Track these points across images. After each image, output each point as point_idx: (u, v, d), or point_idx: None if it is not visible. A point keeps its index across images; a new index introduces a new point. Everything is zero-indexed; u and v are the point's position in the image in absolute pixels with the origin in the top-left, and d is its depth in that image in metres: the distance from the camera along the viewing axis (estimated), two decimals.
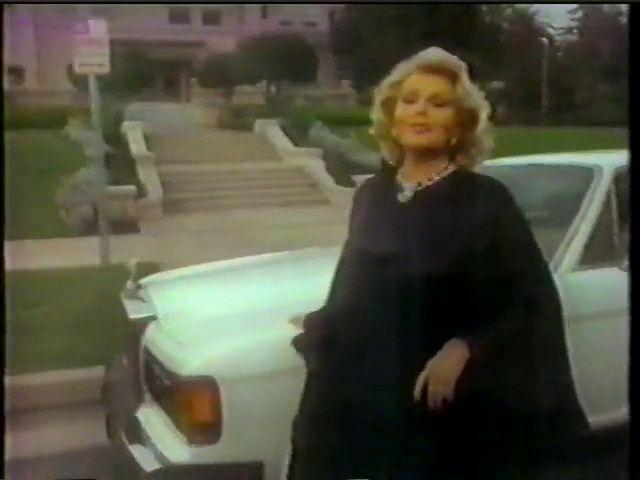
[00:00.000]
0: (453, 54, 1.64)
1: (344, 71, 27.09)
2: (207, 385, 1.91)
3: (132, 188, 10.95)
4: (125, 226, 9.34)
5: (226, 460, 1.94)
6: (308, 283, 2.37)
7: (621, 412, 1.80)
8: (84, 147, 12.36)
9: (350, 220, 1.79)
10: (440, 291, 1.53)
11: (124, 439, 2.22)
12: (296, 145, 15.08)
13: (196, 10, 32.26)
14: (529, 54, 27.69)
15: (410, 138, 1.60)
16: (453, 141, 1.62)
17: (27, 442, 2.95)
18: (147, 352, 2.25)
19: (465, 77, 1.62)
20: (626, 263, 2.01)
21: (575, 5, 32.43)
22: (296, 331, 1.85)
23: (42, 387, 3.55)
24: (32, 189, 9.45)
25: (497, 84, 22.39)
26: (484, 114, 1.63)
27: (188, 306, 2.47)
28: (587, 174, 2.49)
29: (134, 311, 2.45)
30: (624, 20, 28.62)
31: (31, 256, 6.46)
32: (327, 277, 1.81)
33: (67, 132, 14.54)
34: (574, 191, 2.50)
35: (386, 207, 1.67)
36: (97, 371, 3.45)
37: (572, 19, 35.49)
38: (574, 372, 1.67)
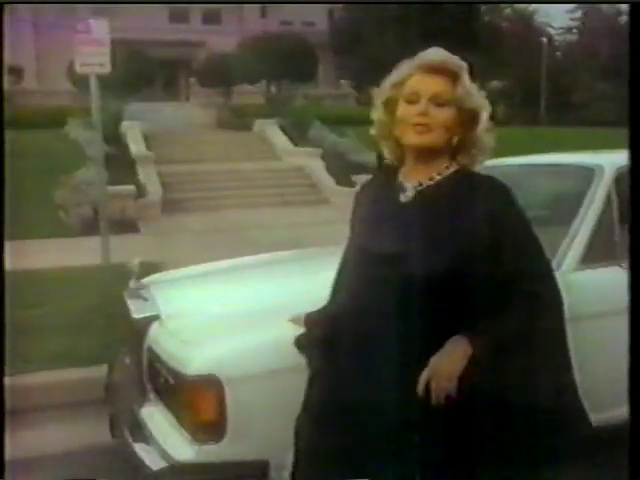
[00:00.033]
0: (453, 54, 1.65)
1: (343, 71, 27.09)
2: (211, 384, 1.91)
3: (132, 188, 10.95)
4: (125, 226, 9.34)
5: (231, 458, 1.95)
6: (311, 282, 2.37)
7: (624, 411, 1.81)
8: (84, 147, 12.37)
9: (351, 220, 1.80)
10: (442, 290, 1.54)
11: (128, 438, 2.23)
12: (296, 145, 15.08)
13: (196, 10, 32.23)
14: (528, 54, 27.70)
15: (411, 138, 1.61)
16: (454, 141, 1.63)
17: (27, 442, 2.95)
18: (151, 351, 2.25)
19: (466, 77, 1.63)
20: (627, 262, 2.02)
21: (574, 5, 32.45)
22: (298, 330, 1.85)
23: (42, 387, 3.55)
24: (32, 189, 9.45)
25: (496, 84, 22.40)
26: (485, 114, 1.64)
27: (191, 305, 2.48)
28: (588, 174, 2.50)
29: (137, 310, 2.46)
30: (623, 20, 28.66)
31: (31, 256, 6.46)
32: (329, 276, 1.82)
33: (66, 132, 14.54)
34: (575, 191, 2.51)
35: (387, 207, 1.68)
36: (97, 371, 3.45)
37: (571, 19, 35.51)
38: (576, 370, 1.68)
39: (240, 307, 2.30)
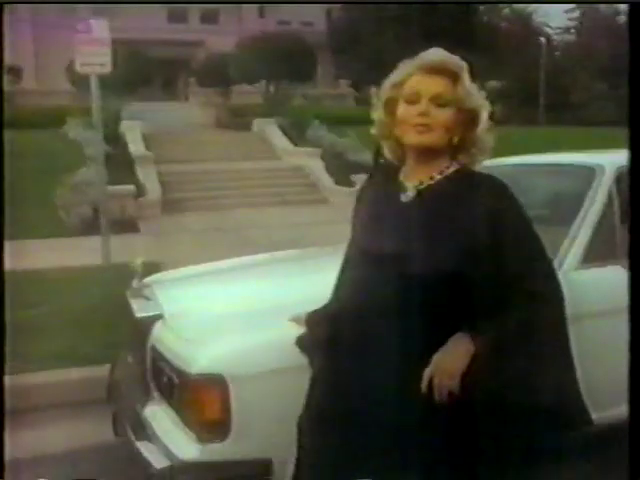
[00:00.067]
0: (451, 54, 1.66)
1: (342, 71, 27.09)
2: (216, 383, 1.92)
3: (131, 188, 10.94)
4: (124, 226, 9.34)
5: (235, 457, 1.95)
6: (313, 282, 2.37)
7: (625, 409, 1.81)
8: (83, 147, 12.37)
9: (353, 220, 1.81)
10: (443, 289, 1.55)
11: (131, 436, 2.24)
12: (295, 145, 15.08)
13: (194, 10, 32.22)
14: (527, 53, 27.72)
15: (412, 138, 1.62)
16: (455, 141, 1.64)
17: (27, 442, 2.95)
18: (154, 350, 2.25)
19: (466, 77, 1.63)
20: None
21: (572, 5, 32.46)
22: (300, 330, 1.86)
23: (42, 387, 3.55)
24: (31, 189, 9.44)
25: (495, 83, 22.40)
26: (485, 114, 1.65)
27: (194, 304, 2.49)
28: (589, 173, 2.50)
29: (140, 310, 2.46)
30: (622, 20, 28.68)
31: (31, 256, 6.46)
32: (331, 275, 1.82)
33: (65, 132, 14.53)
34: (576, 190, 2.52)
35: (389, 206, 1.68)
36: (98, 370, 3.46)
37: (570, 19, 35.53)
38: (577, 369, 1.68)
39: (243, 306, 2.30)
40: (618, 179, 2.42)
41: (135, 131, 14.58)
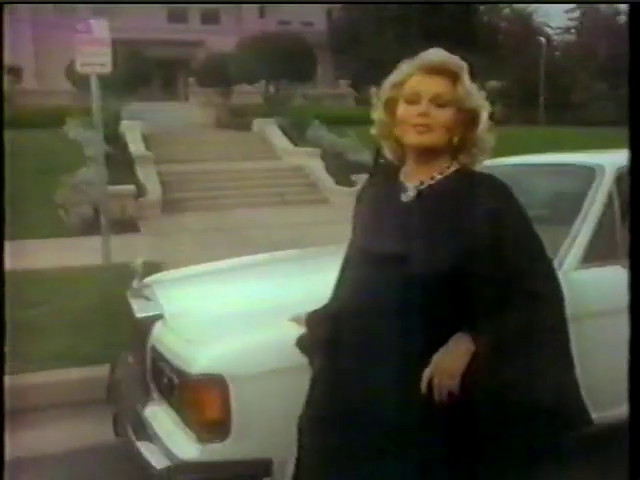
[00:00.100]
0: (451, 54, 1.66)
1: (342, 71, 27.10)
2: (216, 383, 1.92)
3: (131, 187, 10.94)
4: (125, 226, 9.34)
5: (235, 457, 1.96)
6: (313, 282, 2.37)
7: (625, 409, 1.81)
8: (83, 147, 12.37)
9: (353, 220, 1.81)
10: (444, 289, 1.55)
11: (132, 436, 2.24)
12: (295, 145, 15.08)
13: (194, 10, 32.23)
14: (527, 53, 27.72)
15: (412, 138, 1.62)
16: (455, 141, 1.64)
17: (27, 442, 2.95)
18: (155, 350, 2.25)
19: (466, 77, 1.64)
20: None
21: (573, 5, 32.46)
22: (301, 330, 1.86)
23: (42, 387, 3.54)
24: (32, 189, 9.45)
25: (495, 83, 22.39)
26: (485, 114, 1.66)
27: (194, 305, 2.49)
28: (589, 173, 2.51)
29: (141, 310, 2.46)
30: (621, 19, 28.67)
31: (31, 256, 6.47)
32: (332, 275, 1.82)
33: (65, 132, 14.53)
34: (576, 190, 2.52)
35: (389, 206, 1.69)
36: (98, 370, 3.45)
37: (570, 19, 35.53)
38: (577, 369, 1.69)
39: (243, 306, 2.30)
40: (618, 179, 2.42)
41: (135, 131, 14.58)
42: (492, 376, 1.55)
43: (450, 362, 1.53)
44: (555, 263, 2.07)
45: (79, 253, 7.31)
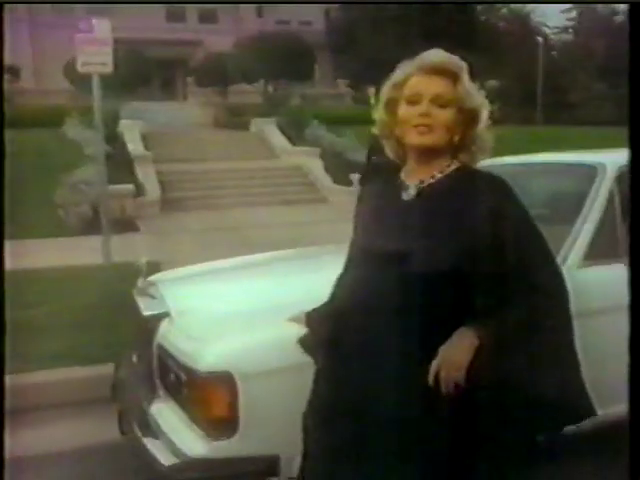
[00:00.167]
0: (450, 53, 1.68)
1: (340, 70, 27.10)
2: (224, 380, 1.92)
3: (130, 187, 10.93)
4: (124, 225, 9.34)
5: (242, 454, 1.96)
6: (319, 280, 2.38)
7: (626, 406, 1.82)
8: (82, 146, 12.36)
9: (355, 219, 1.82)
10: (446, 286, 1.56)
11: (138, 433, 2.24)
12: (293, 144, 15.09)
13: (192, 9, 32.22)
14: (524, 53, 27.72)
15: (413, 138, 1.63)
16: (455, 140, 1.66)
17: (28, 441, 2.95)
18: (161, 348, 2.25)
19: (466, 77, 1.65)
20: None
21: (570, 4, 32.47)
22: (301, 329, 1.86)
23: (42, 386, 3.54)
24: (31, 188, 9.44)
25: (492, 83, 22.41)
26: (485, 113, 1.67)
27: (201, 303, 2.49)
28: (591, 172, 2.52)
29: (147, 308, 2.47)
30: (619, 19, 28.69)
31: (31, 256, 6.46)
32: (333, 274, 1.83)
33: (64, 131, 14.52)
34: (578, 189, 2.53)
35: (390, 205, 1.70)
36: (99, 369, 3.46)
37: (567, 19, 35.53)
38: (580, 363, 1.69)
39: (249, 304, 2.31)
40: (619, 178, 2.44)
41: (134, 130, 14.58)
42: (496, 369, 1.56)
43: (455, 354, 1.54)
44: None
45: (79, 252, 7.31)
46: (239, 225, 9.66)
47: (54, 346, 3.92)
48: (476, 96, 1.66)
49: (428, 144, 1.62)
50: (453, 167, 1.68)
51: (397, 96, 1.66)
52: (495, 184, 1.65)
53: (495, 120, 1.71)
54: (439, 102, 1.61)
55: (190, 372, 2.00)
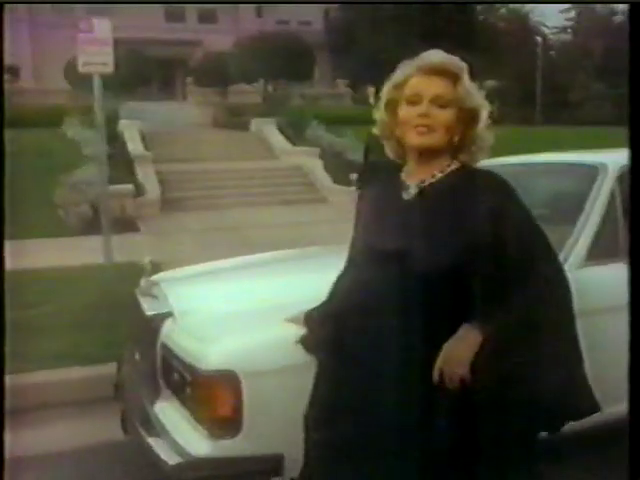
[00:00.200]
0: (449, 53, 1.69)
1: (340, 70, 27.09)
2: (228, 379, 1.92)
3: (130, 187, 10.94)
4: (124, 225, 9.34)
5: (246, 453, 1.96)
6: (319, 280, 2.38)
7: (626, 406, 1.82)
8: (82, 146, 12.36)
9: (355, 218, 1.83)
10: (446, 286, 1.57)
11: (142, 432, 2.23)
12: (293, 144, 15.10)
13: (192, 9, 32.20)
14: (523, 53, 27.74)
15: (414, 139, 1.65)
16: (455, 140, 1.67)
17: (28, 441, 2.95)
18: (165, 347, 2.25)
19: (466, 77, 1.67)
20: None
21: (568, 4, 32.47)
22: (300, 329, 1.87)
23: (42, 386, 3.55)
24: (31, 188, 9.43)
25: (491, 83, 22.41)
26: (485, 112, 1.69)
27: (204, 302, 2.49)
28: (592, 172, 2.52)
29: (150, 308, 2.47)
30: (617, 19, 28.72)
31: (31, 256, 6.46)
32: (334, 274, 1.83)
33: (64, 131, 14.52)
34: (579, 189, 2.53)
35: (391, 205, 1.72)
36: (100, 369, 3.46)
37: (566, 19, 35.54)
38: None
39: (252, 304, 2.31)
40: (621, 178, 2.44)
41: (133, 130, 14.59)
42: (499, 364, 1.56)
43: (459, 350, 1.55)
44: None
45: (79, 252, 7.32)
46: (239, 225, 9.67)
47: (54, 346, 3.92)
48: (476, 96, 1.67)
49: (428, 144, 1.63)
50: (453, 167, 1.69)
51: (397, 97, 1.67)
52: (496, 183, 1.66)
53: (494, 120, 1.72)
54: (439, 102, 1.62)
55: (194, 371, 2.00)
